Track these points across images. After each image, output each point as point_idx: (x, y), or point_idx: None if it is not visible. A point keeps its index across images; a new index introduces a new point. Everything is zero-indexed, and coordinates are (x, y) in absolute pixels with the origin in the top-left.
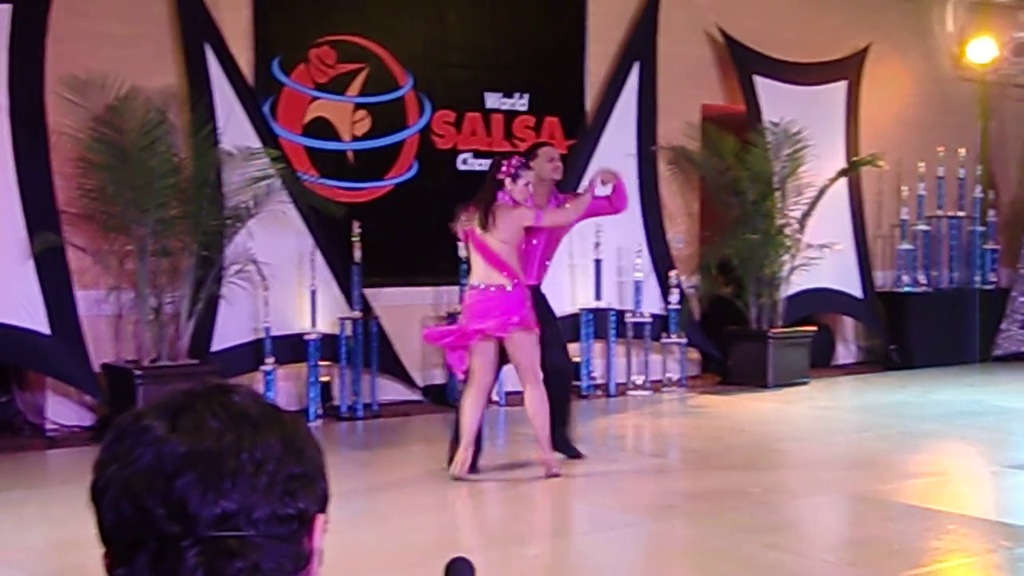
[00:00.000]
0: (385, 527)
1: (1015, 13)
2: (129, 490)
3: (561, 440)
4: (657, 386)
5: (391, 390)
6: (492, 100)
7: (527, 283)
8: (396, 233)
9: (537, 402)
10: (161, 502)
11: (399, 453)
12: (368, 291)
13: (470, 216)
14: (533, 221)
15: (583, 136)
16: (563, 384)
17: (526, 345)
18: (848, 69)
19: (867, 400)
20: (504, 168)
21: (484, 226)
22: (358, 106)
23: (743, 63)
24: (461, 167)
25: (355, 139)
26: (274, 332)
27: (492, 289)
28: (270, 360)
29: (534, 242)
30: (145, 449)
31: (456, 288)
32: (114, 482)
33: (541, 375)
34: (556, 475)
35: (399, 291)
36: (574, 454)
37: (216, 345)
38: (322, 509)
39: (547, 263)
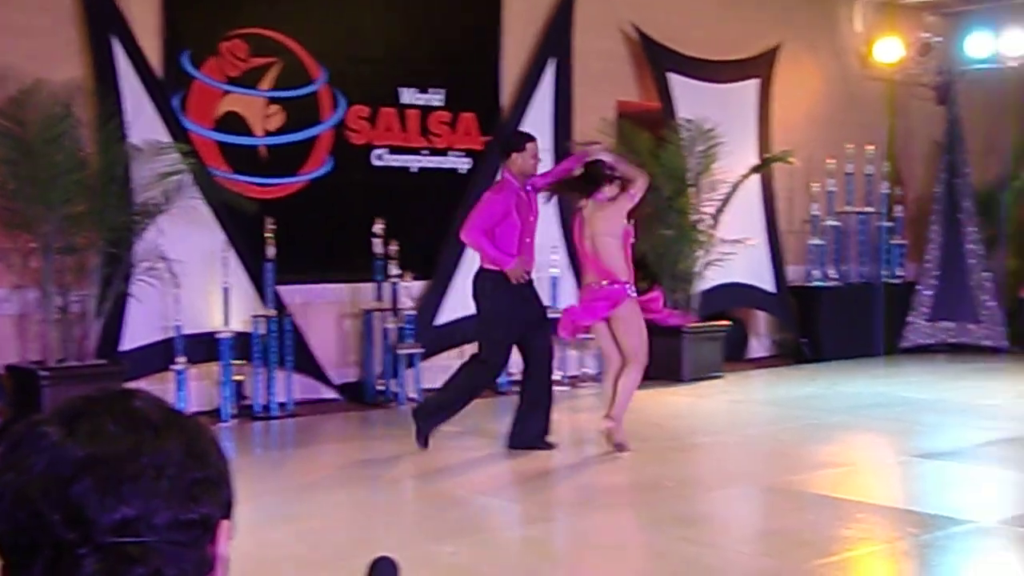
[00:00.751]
0: (300, 527)
1: (920, 14)
2: (24, 497)
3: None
4: (575, 381)
5: (306, 388)
6: (407, 95)
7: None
8: (310, 229)
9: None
10: (57, 508)
11: (315, 452)
12: (282, 288)
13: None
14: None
15: (499, 132)
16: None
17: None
18: (760, 67)
19: (779, 393)
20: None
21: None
22: (271, 100)
23: (657, 60)
24: (376, 163)
25: (268, 134)
26: (185, 331)
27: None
28: (181, 359)
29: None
30: (41, 455)
31: (372, 285)
32: (9, 490)
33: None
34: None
35: (314, 288)
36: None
37: (125, 345)
38: (227, 515)
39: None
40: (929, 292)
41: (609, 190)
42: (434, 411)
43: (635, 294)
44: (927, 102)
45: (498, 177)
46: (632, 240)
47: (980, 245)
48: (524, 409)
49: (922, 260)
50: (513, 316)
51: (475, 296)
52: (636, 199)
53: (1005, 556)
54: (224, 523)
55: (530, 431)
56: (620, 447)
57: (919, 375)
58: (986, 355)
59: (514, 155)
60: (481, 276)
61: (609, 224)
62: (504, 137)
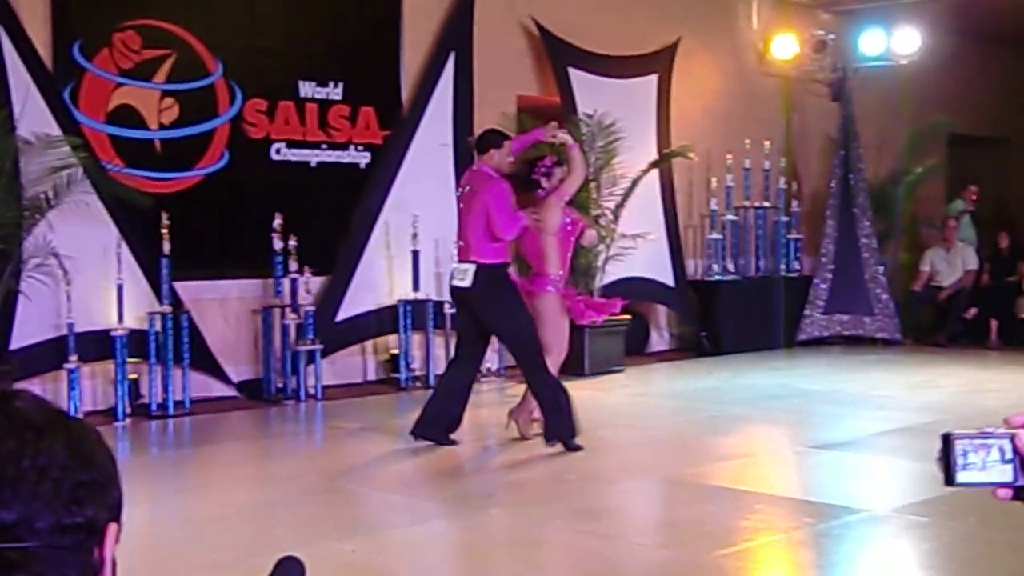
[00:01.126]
0: (198, 527)
1: (815, 12)
2: None
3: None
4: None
5: (204, 386)
6: (306, 89)
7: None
8: (207, 225)
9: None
10: None
11: (213, 451)
12: (178, 285)
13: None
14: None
15: (399, 126)
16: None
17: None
18: (659, 63)
19: (679, 386)
20: (539, 169)
21: None
22: (165, 93)
23: (557, 55)
24: (275, 157)
25: (162, 127)
26: (78, 328)
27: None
28: (74, 358)
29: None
30: None
31: (271, 281)
32: None
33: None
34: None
35: (211, 284)
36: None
37: (15, 343)
38: (115, 518)
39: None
40: (825, 285)
41: (547, 183)
42: (552, 419)
43: (556, 289)
44: (822, 98)
45: (475, 168)
46: (573, 236)
47: (874, 239)
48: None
49: (818, 254)
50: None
51: (492, 294)
52: (566, 195)
53: (897, 543)
54: (112, 526)
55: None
56: (522, 436)
57: (815, 367)
58: (880, 347)
59: (492, 151)
60: (492, 271)
61: (543, 221)
62: (484, 135)
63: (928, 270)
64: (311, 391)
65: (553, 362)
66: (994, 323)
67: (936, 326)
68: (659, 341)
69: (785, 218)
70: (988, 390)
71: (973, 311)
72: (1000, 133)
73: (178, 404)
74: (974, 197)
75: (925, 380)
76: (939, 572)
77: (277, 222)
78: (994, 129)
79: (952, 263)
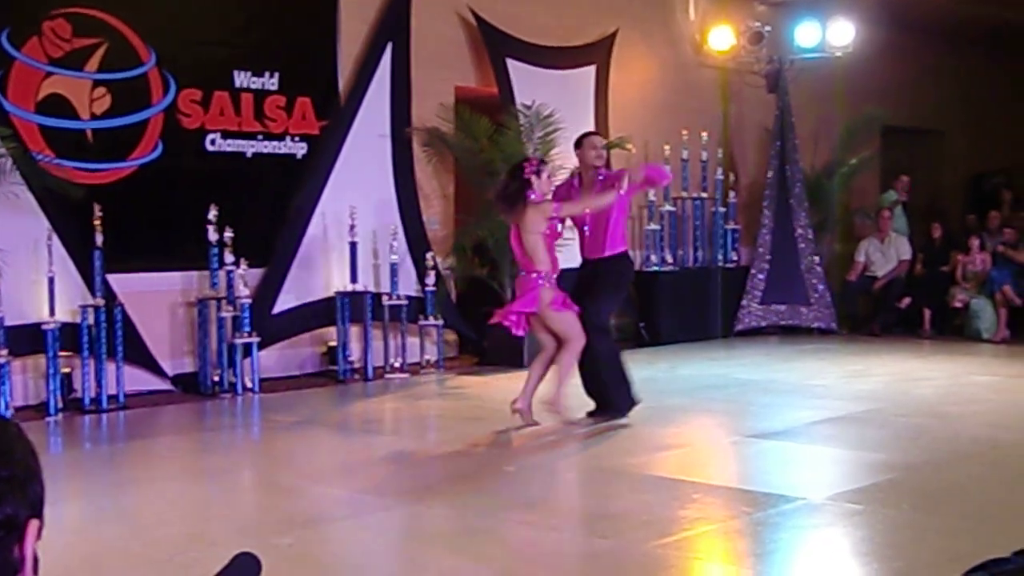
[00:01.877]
0: (132, 523)
1: (751, 4)
2: None
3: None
4: (415, 369)
5: (138, 380)
6: (241, 78)
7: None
8: (140, 216)
9: (563, 361)
10: None
11: (148, 445)
12: (111, 277)
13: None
14: (554, 212)
15: (336, 117)
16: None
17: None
18: (597, 54)
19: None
20: (527, 168)
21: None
22: (97, 83)
23: (495, 46)
24: (209, 148)
25: (94, 117)
26: (8, 322)
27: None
28: (4, 352)
29: (585, 228)
30: None
31: (206, 273)
32: None
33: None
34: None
35: (145, 277)
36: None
37: None
38: (36, 514)
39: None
40: (762, 276)
41: (539, 185)
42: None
43: (550, 283)
44: (759, 90)
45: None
46: (557, 234)
47: (810, 230)
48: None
49: (755, 245)
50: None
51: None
52: (560, 213)
53: (832, 531)
54: (33, 523)
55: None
56: (567, 422)
57: (753, 357)
58: (816, 337)
59: (578, 153)
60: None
61: (532, 222)
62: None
63: (863, 260)
64: (248, 384)
65: (574, 350)
66: (927, 312)
67: (871, 315)
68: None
69: (722, 209)
70: (921, 378)
71: (907, 300)
72: (933, 125)
73: (112, 398)
74: (906, 187)
75: (860, 369)
76: (874, 559)
77: (212, 214)
78: (927, 121)
79: (886, 253)
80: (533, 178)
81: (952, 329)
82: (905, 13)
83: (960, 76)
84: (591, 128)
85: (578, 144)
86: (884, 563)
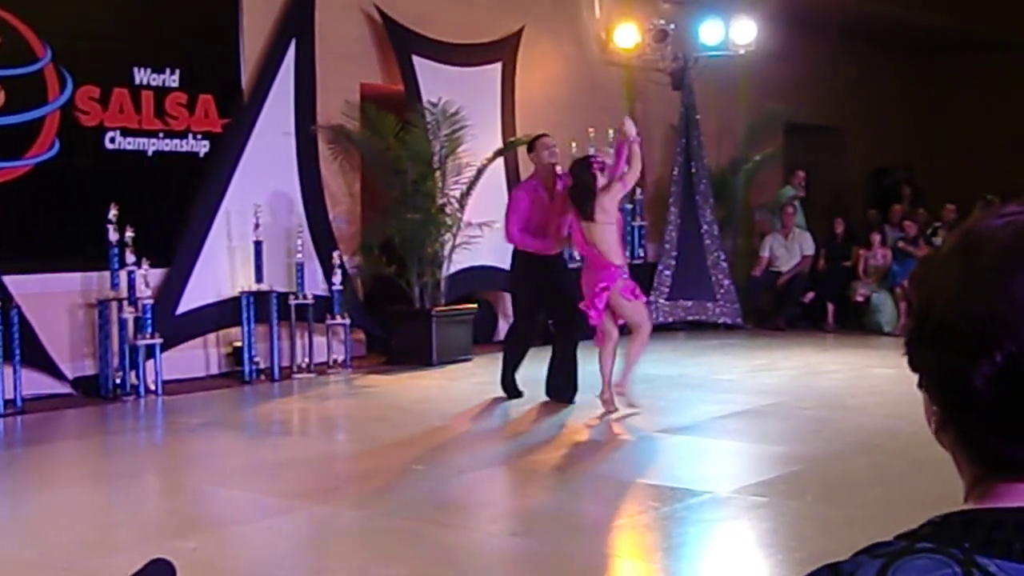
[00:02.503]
0: (30, 531)
1: (656, 2)
2: None
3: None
4: (322, 368)
5: (37, 383)
6: (141, 75)
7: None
8: (38, 216)
9: (633, 348)
10: None
11: (47, 451)
12: (8, 279)
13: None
14: (624, 189)
15: (239, 114)
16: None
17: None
18: (503, 51)
19: (527, 373)
20: (594, 164)
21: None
22: None
23: (401, 43)
24: (109, 146)
25: None
26: None
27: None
28: None
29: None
30: None
31: (107, 273)
32: None
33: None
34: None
35: (43, 278)
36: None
37: None
38: None
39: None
40: (668, 272)
41: (601, 179)
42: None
43: (623, 274)
44: (664, 87)
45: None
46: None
47: (715, 226)
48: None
49: (662, 241)
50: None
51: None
52: (628, 186)
53: (738, 524)
54: None
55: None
56: (631, 405)
57: (660, 352)
58: (723, 331)
59: (532, 156)
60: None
61: (604, 213)
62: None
63: (767, 256)
64: (151, 386)
65: (644, 337)
66: (830, 307)
67: (775, 310)
68: (506, 329)
69: (629, 205)
70: (824, 372)
71: (810, 295)
72: (834, 122)
73: (9, 403)
74: (802, 183)
75: (765, 363)
76: (779, 550)
77: (112, 213)
78: (828, 118)
79: (790, 249)
80: (599, 175)
81: (854, 323)
82: (806, 12)
83: (860, 74)
84: (498, 125)
85: (531, 148)
86: (788, 554)
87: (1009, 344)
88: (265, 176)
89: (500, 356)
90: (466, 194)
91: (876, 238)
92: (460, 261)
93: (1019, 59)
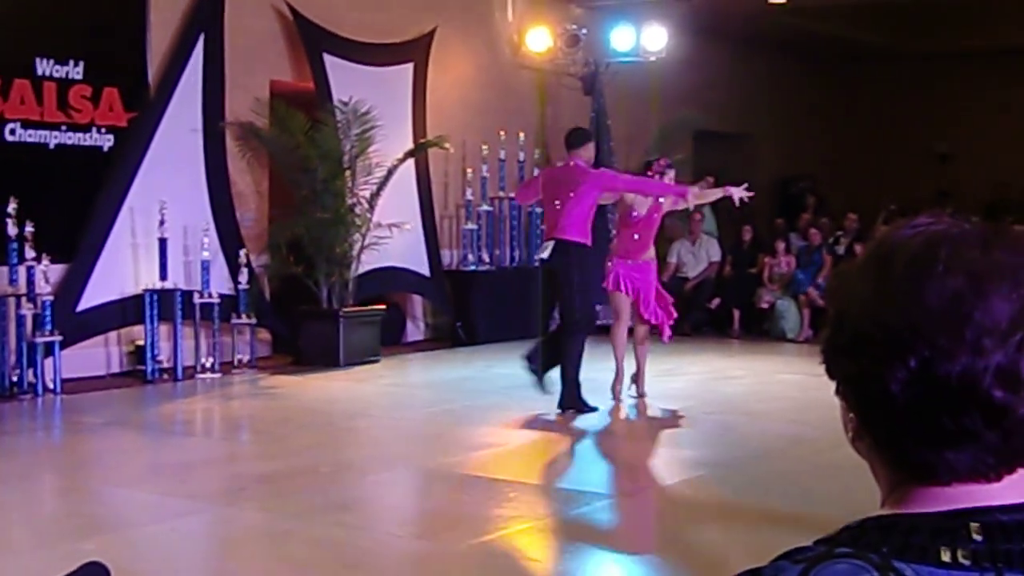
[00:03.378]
0: None
1: (568, 6)
2: None
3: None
4: (227, 368)
5: None
6: (44, 66)
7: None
8: None
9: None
10: None
11: None
12: None
13: None
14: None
15: (145, 109)
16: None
17: None
18: (415, 51)
19: (435, 376)
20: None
21: None
22: None
23: (312, 41)
24: (9, 138)
25: None
26: None
27: None
28: None
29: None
30: None
31: (5, 269)
32: None
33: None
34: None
35: None
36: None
37: None
38: None
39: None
40: None
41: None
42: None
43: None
44: (575, 92)
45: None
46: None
47: None
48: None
49: None
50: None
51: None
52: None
53: (640, 524)
54: None
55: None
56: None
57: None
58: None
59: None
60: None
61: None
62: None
63: (675, 261)
64: (49, 385)
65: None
66: (736, 313)
67: (682, 316)
68: (415, 331)
69: (539, 209)
70: (730, 377)
71: (716, 301)
72: (743, 130)
73: None
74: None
75: (672, 368)
76: (684, 554)
77: (12, 207)
78: (737, 126)
79: (697, 255)
80: (657, 178)
81: (759, 329)
82: (715, 20)
83: (769, 82)
84: (409, 126)
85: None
86: (693, 558)
87: (923, 349)
88: (171, 172)
89: (403, 359)
90: (376, 194)
91: (781, 246)
92: (369, 262)
93: (921, 71)
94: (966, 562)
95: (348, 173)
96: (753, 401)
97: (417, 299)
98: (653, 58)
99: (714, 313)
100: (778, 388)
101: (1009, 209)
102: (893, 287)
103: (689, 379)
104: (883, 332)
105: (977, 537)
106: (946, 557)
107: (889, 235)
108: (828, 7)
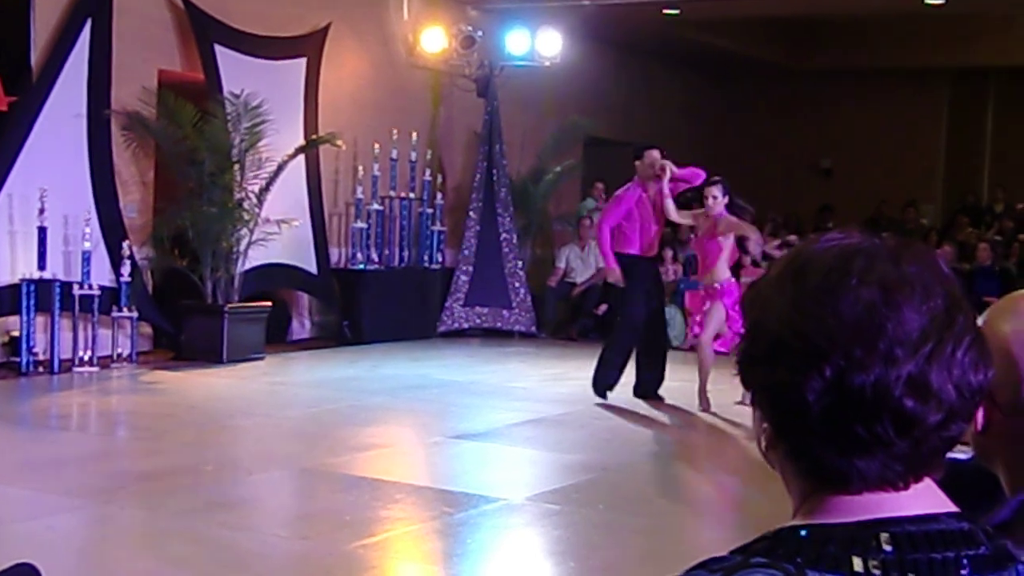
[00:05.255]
0: None
1: (464, 8)
2: None
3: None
4: (106, 362)
5: None
6: None
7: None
8: None
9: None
10: None
11: None
12: None
13: None
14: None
15: (27, 93)
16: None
17: None
18: (308, 46)
19: (320, 375)
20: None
21: None
22: None
23: (203, 31)
24: None
25: None
26: None
27: None
28: None
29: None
30: None
31: None
32: None
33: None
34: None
35: None
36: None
37: None
38: None
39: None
40: (466, 278)
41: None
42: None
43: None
44: (469, 93)
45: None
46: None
47: (514, 234)
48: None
49: (460, 247)
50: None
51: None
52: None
53: (530, 531)
54: None
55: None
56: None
57: (455, 358)
58: (517, 340)
59: (636, 163)
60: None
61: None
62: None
63: (563, 266)
64: None
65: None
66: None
67: (569, 320)
68: (300, 329)
69: (430, 210)
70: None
71: (603, 307)
72: (632, 138)
73: None
74: (602, 195)
75: (558, 373)
76: (571, 557)
77: None
78: (626, 133)
79: (586, 260)
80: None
81: None
82: (611, 29)
83: (660, 92)
84: (301, 122)
85: (638, 156)
86: (581, 562)
87: (838, 358)
88: (53, 159)
89: (288, 357)
90: (265, 189)
91: (668, 254)
92: (256, 258)
93: (809, 87)
94: (877, 572)
95: (237, 167)
96: (640, 406)
97: (304, 297)
98: (547, 63)
99: (601, 319)
100: (663, 394)
101: (887, 225)
102: (809, 298)
103: (576, 384)
104: (800, 342)
105: (887, 547)
106: (858, 567)
107: (803, 248)
108: (720, 21)
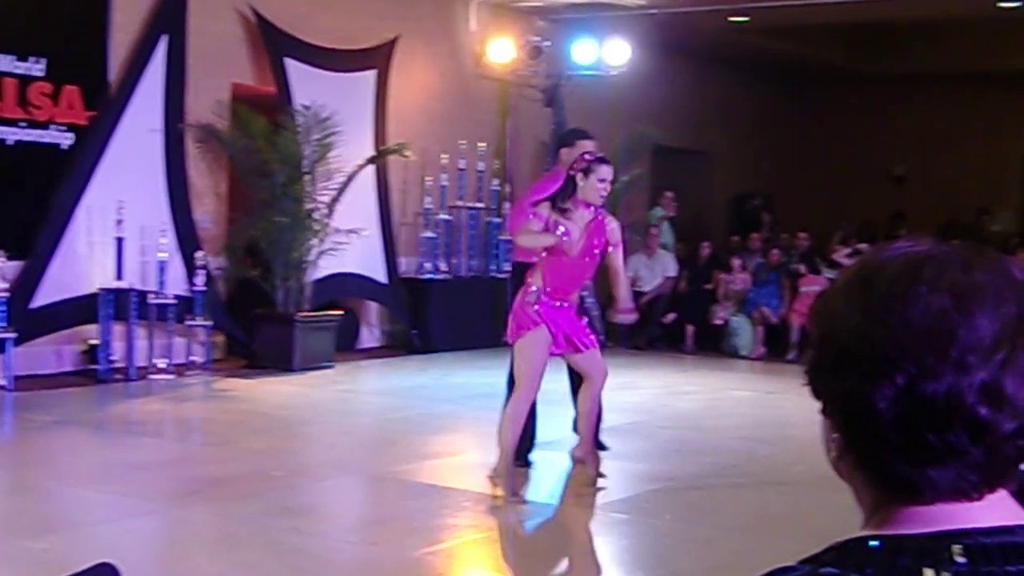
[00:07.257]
0: None
1: (531, 18)
2: None
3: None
4: (180, 370)
5: None
6: (4, 63)
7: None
8: None
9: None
10: None
11: None
12: None
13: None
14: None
15: (105, 108)
16: None
17: None
18: (378, 58)
19: (389, 383)
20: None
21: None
22: None
23: (275, 45)
24: None
25: None
26: None
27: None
28: None
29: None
30: None
31: None
32: None
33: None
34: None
35: None
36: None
37: None
38: None
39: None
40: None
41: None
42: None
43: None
44: (536, 103)
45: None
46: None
47: None
48: None
49: None
50: None
51: None
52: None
53: (599, 540)
54: None
55: None
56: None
57: None
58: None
59: (563, 150)
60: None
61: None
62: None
63: (631, 275)
64: (2, 382)
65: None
66: (690, 328)
67: (636, 330)
68: (369, 338)
69: (497, 219)
70: (683, 392)
71: (671, 316)
72: (700, 146)
73: None
74: (671, 203)
75: (626, 382)
76: (637, 568)
77: None
78: (694, 142)
79: (653, 269)
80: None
81: (712, 345)
82: (678, 37)
83: (726, 100)
84: (370, 133)
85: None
86: (648, 571)
87: (909, 366)
88: (130, 172)
89: (357, 365)
90: (335, 200)
91: (736, 263)
92: (326, 267)
93: (880, 93)
94: None
95: (307, 178)
96: (706, 417)
97: (373, 305)
98: (614, 72)
99: (668, 328)
100: (731, 404)
101: (960, 232)
102: (878, 306)
103: (644, 393)
104: (870, 350)
105: (960, 559)
106: None
107: (872, 256)
108: (788, 27)
